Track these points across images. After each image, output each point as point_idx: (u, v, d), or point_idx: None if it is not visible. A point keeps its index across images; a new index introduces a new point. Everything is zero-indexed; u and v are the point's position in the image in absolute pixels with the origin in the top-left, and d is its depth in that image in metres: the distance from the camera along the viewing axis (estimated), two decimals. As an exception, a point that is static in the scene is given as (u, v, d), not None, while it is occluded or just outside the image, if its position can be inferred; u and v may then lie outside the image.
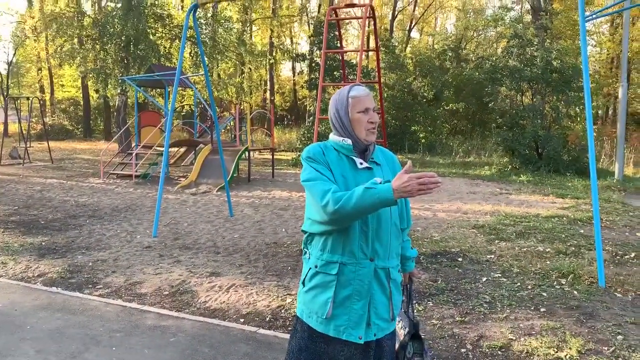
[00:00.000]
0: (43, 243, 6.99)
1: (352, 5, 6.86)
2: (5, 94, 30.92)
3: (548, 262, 5.90)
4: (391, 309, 2.14)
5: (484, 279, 5.36)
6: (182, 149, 17.26)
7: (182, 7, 29.41)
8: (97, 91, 25.94)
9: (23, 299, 4.88)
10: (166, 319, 4.43)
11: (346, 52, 8.43)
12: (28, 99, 23.53)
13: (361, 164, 2.13)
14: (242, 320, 4.45)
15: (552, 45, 18.83)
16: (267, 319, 4.45)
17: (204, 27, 22.07)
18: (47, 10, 24.35)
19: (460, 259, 6.11)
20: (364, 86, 2.21)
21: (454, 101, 24.44)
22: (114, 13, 19.59)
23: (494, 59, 20.31)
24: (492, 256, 6.24)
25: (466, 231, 7.65)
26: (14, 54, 33.52)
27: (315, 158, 2.14)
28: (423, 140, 22.46)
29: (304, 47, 42.84)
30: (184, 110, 27.67)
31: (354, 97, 2.15)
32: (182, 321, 4.40)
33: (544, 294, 4.91)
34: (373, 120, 2.16)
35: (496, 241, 6.98)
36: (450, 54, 25.88)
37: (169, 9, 22.88)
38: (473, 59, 26.42)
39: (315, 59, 22.66)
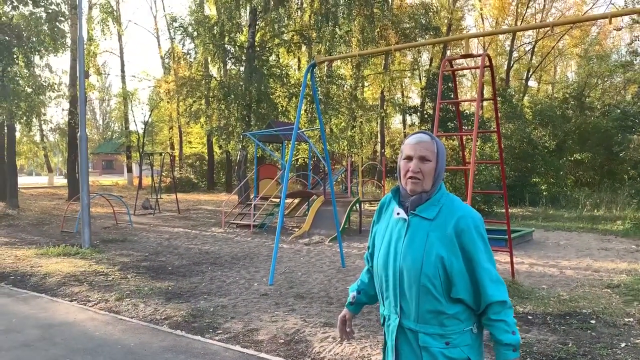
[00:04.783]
0: (170, 288, 7.45)
1: (468, 56, 6.80)
2: (141, 150, 34.16)
3: (701, 330, 5.18)
4: None
5: (623, 345, 4.82)
6: (296, 200, 17.79)
7: (299, 66, 31.03)
8: (220, 147, 27.84)
9: (151, 340, 5.19)
10: (281, 367, 4.47)
11: (462, 102, 8.32)
12: (160, 154, 25.85)
13: (398, 214, 2.08)
14: (356, 373, 4.36)
15: (692, 89, 17.22)
16: (382, 374, 4.32)
17: (318, 84, 23.04)
18: (181, 75, 26.89)
19: (592, 321, 5.57)
20: (426, 134, 2.08)
21: (579, 151, 22.97)
22: (238, 76, 21.13)
23: (623, 105, 18.95)
24: (631, 319, 5.61)
25: (598, 291, 6.99)
26: (150, 115, 37.08)
27: (375, 215, 2.28)
28: (545, 193, 21.19)
29: (414, 99, 43.05)
30: (297, 163, 28.71)
31: (405, 143, 2.09)
32: (296, 370, 4.41)
33: (699, 365, 4.30)
34: (412, 169, 2.01)
35: (635, 303, 6.29)
36: (572, 102, 24.55)
37: (287, 70, 24.23)
38: (598, 106, 24.82)
39: (427, 110, 22.61)
